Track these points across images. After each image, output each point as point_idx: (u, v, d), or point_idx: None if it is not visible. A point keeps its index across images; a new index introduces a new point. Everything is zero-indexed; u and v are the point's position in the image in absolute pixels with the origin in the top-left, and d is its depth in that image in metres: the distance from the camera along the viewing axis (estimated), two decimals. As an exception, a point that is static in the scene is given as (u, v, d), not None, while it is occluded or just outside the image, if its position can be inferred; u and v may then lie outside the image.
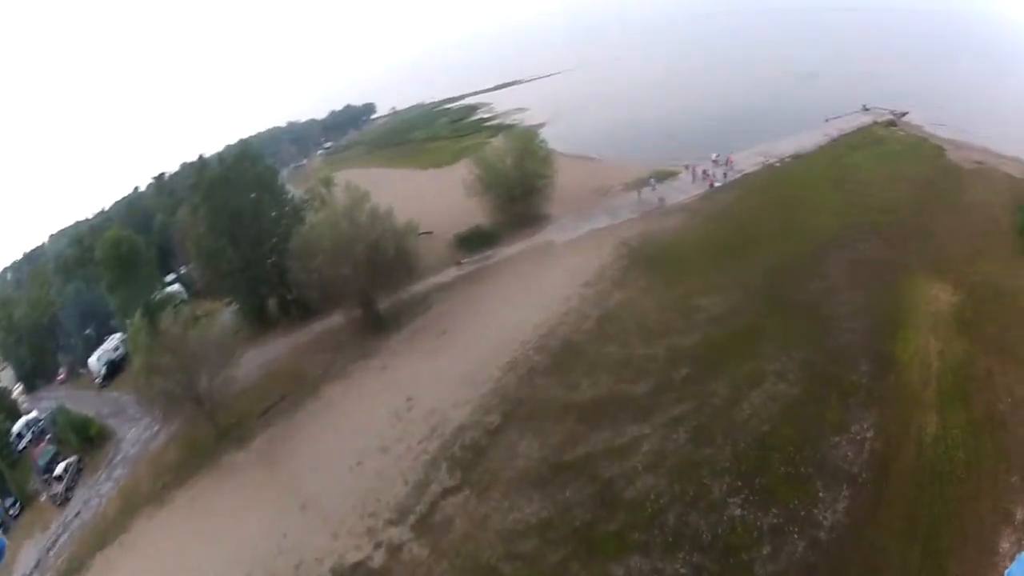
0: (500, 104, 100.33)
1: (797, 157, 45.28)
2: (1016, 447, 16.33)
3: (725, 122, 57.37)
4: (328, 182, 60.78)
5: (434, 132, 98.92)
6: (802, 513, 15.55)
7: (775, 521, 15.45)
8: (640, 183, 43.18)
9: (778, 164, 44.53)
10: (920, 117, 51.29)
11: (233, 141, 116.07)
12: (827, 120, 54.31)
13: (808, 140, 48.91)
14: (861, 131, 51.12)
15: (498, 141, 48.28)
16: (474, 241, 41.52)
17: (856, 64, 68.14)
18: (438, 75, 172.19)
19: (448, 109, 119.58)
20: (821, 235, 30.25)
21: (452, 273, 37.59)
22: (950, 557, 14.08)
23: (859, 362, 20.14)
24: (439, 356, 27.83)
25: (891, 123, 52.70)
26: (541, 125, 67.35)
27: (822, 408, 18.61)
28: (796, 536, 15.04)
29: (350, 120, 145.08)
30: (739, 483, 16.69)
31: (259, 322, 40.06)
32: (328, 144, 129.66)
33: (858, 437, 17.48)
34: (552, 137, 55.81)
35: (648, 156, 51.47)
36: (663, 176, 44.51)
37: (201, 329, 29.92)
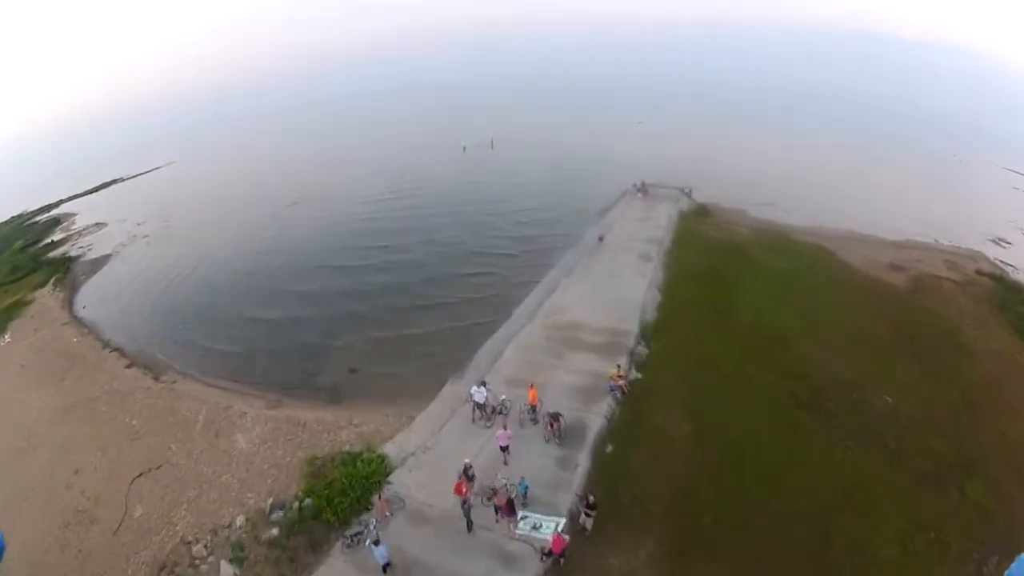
0: (85, 216, 75.35)
1: (650, 337, 24.25)
2: None
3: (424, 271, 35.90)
4: None
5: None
6: None
7: None
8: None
9: (639, 376, 22.41)
10: (714, 195, 42.44)
11: None
12: (601, 235, 35.84)
13: (617, 282, 29.02)
14: (686, 239, 34.80)
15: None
16: None
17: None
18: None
19: (36, 223, 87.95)
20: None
21: None
22: None
23: None
24: None
25: (703, 211, 40.64)
26: (106, 260, 48.64)
27: None
28: None
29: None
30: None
31: None
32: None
33: None
34: (104, 309, 38.27)
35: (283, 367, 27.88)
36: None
37: None
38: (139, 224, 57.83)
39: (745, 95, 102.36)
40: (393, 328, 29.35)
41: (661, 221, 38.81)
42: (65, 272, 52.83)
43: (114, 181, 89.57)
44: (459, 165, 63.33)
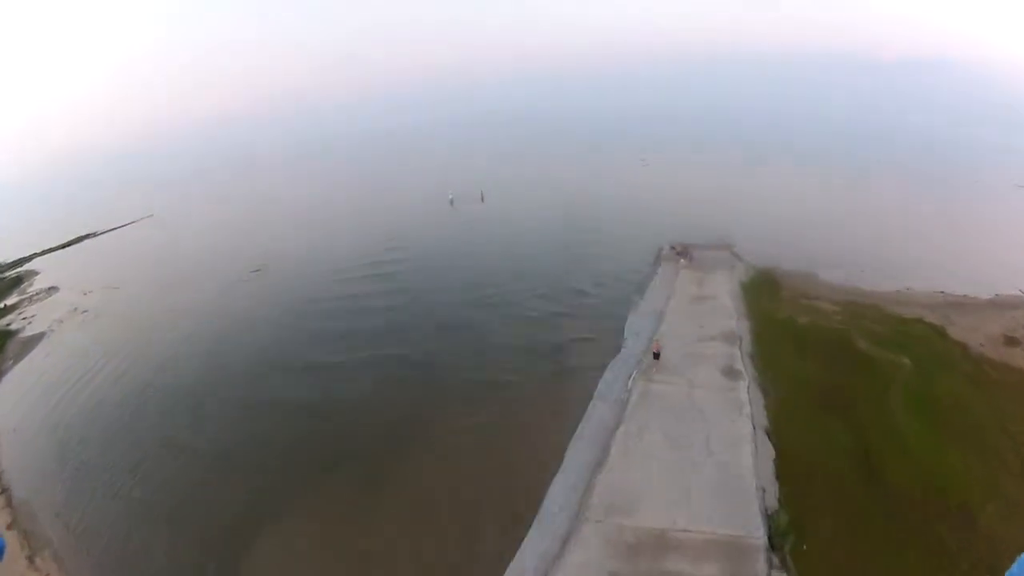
0: (45, 276, 68.51)
1: (787, 548, 14.47)
2: None
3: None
4: None
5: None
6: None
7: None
8: None
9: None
10: (756, 248, 36.64)
11: None
12: (657, 351, 24.31)
13: (703, 428, 18.90)
14: (769, 331, 26.25)
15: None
16: None
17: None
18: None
19: (4, 279, 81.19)
20: None
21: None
22: None
23: None
24: None
25: (769, 280, 33.07)
26: (37, 340, 40.25)
27: None
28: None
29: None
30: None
31: None
32: None
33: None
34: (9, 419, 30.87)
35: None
36: None
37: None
38: (85, 294, 52.48)
39: (746, 127, 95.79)
40: (337, 538, 17.71)
41: (725, 301, 29.59)
42: (-3, 351, 44.73)
43: (87, 236, 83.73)
44: (443, 226, 54.04)
